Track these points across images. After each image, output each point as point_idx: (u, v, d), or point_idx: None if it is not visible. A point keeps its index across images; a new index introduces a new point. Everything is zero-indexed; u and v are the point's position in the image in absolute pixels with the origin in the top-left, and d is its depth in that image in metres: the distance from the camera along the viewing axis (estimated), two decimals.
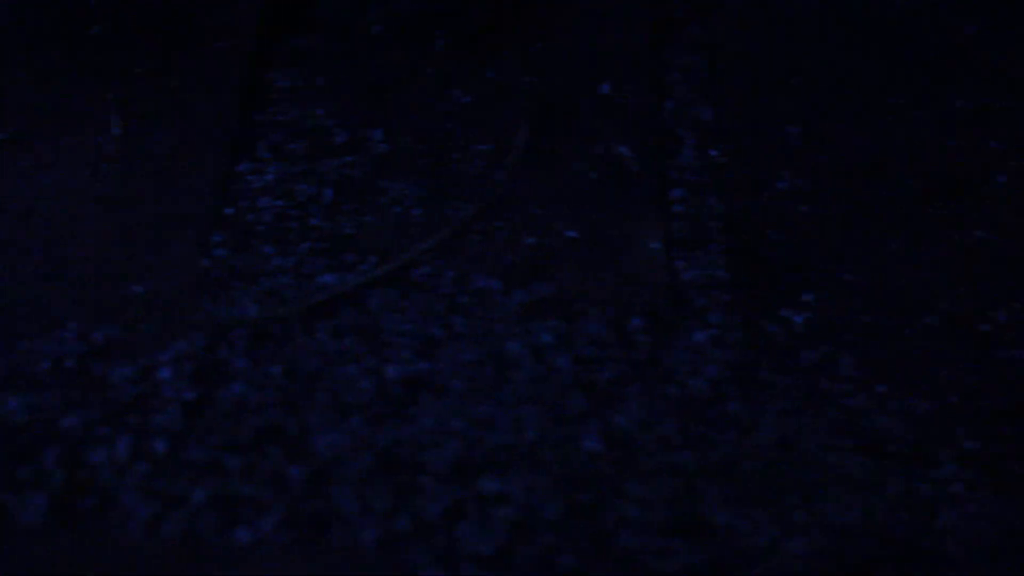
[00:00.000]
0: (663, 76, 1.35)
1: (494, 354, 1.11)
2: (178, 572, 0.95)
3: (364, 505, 1.01)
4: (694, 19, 1.40)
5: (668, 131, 1.30)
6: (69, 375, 1.08)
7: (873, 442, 1.11)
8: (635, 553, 0.99)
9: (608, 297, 1.16)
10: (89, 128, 1.26)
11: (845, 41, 1.39)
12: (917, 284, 1.21)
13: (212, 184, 1.23)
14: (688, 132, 1.30)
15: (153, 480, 1.03)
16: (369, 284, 1.16)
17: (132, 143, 1.26)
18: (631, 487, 1.04)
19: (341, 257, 1.18)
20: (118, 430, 1.06)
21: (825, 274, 1.21)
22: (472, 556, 0.99)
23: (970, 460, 1.11)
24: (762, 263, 1.21)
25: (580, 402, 1.09)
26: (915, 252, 1.23)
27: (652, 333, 1.14)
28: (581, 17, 1.38)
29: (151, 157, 1.25)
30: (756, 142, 1.29)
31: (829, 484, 1.07)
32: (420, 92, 1.31)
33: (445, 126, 1.28)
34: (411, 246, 1.17)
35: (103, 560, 0.95)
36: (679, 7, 1.41)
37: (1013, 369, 1.17)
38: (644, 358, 1.12)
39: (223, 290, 1.15)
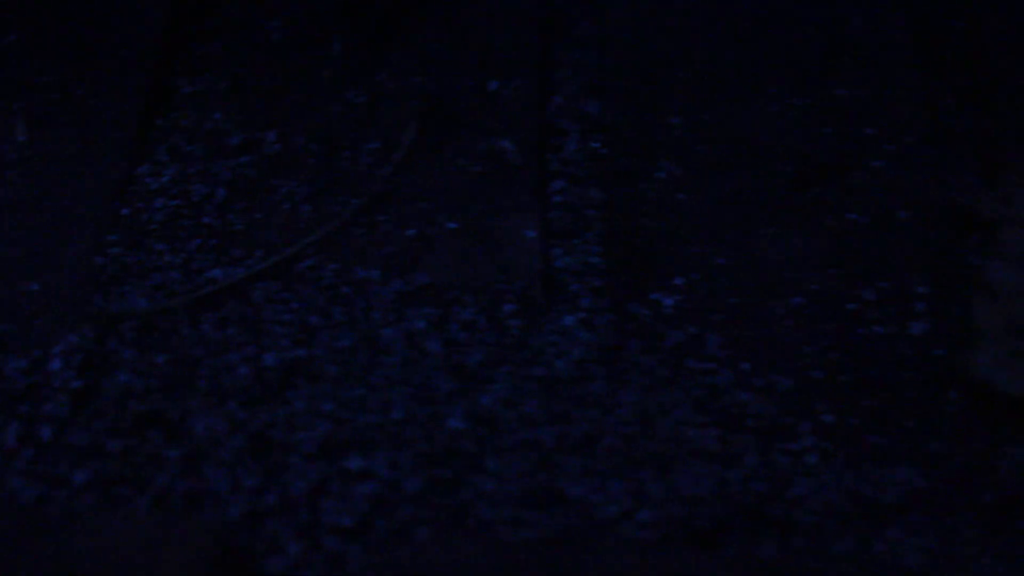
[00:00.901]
0: (552, 72, 1.43)
1: (368, 340, 1.18)
2: (59, 546, 1.02)
3: (234, 483, 1.09)
4: (585, 16, 1.48)
5: (553, 125, 1.37)
6: None
7: (733, 417, 1.17)
8: (490, 524, 1.06)
9: (483, 285, 1.23)
10: None
11: (732, 34, 1.46)
12: (787, 266, 1.28)
13: (111, 186, 1.30)
14: (573, 125, 1.38)
15: (38, 464, 1.10)
16: (254, 277, 1.23)
17: (37, 149, 1.34)
18: (490, 463, 1.12)
19: (230, 252, 1.26)
20: (8, 419, 1.14)
21: (697, 259, 1.28)
22: (333, 528, 1.06)
23: (827, 432, 1.18)
24: (636, 249, 1.28)
25: (448, 384, 1.16)
26: (787, 236, 1.30)
27: (523, 318, 1.21)
28: (474, 19, 1.46)
29: (55, 161, 1.33)
30: (638, 133, 1.37)
31: (686, 457, 1.14)
32: (315, 94, 1.38)
33: (337, 126, 1.36)
34: (296, 240, 1.25)
35: None
36: (571, 5, 1.49)
37: (874, 345, 1.23)
38: (513, 342, 1.19)
39: (115, 286, 1.22)
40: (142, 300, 1.21)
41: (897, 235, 1.32)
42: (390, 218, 1.28)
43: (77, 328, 1.19)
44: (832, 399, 1.20)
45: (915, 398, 1.21)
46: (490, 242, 1.27)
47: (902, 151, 1.40)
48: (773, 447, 1.16)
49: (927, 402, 1.21)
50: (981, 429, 1.20)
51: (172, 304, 1.21)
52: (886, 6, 1.52)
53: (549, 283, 1.24)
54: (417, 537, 1.04)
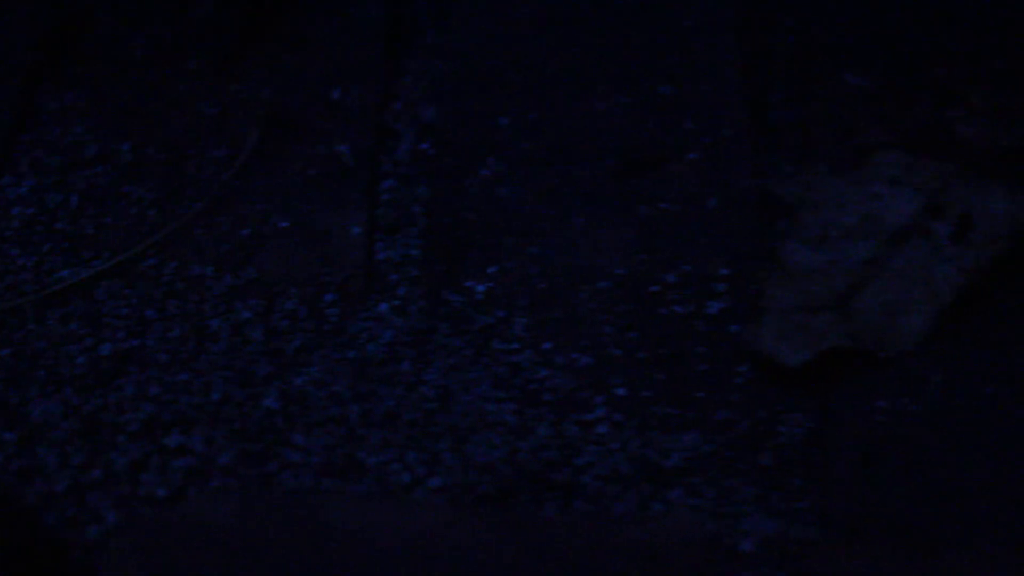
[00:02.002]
0: (394, 80, 1.56)
1: (197, 330, 1.32)
2: None
3: (63, 461, 1.22)
4: (432, 26, 1.61)
5: (389, 129, 1.51)
6: None
7: (531, 392, 1.30)
8: (293, 491, 1.19)
9: (307, 278, 1.37)
10: None
11: (568, 38, 1.60)
12: (597, 253, 1.41)
13: None
14: (408, 129, 1.51)
15: None
16: (99, 276, 1.37)
17: None
18: (298, 437, 1.25)
19: (80, 255, 1.39)
20: None
21: (512, 248, 1.41)
22: (148, 499, 1.19)
23: (619, 404, 1.31)
24: (455, 242, 1.41)
25: (267, 368, 1.29)
26: (600, 225, 1.43)
27: (341, 306, 1.34)
28: (323, 32, 1.59)
29: None
30: (467, 134, 1.50)
31: (481, 429, 1.27)
32: (169, 108, 1.52)
33: (187, 136, 1.49)
34: (139, 242, 1.38)
35: None
36: (418, 16, 1.62)
37: (672, 324, 1.36)
38: (331, 328, 1.33)
39: None
40: None
41: (704, 222, 1.45)
42: (227, 219, 1.42)
43: None
44: (627, 374, 1.33)
45: (706, 371, 1.34)
46: (318, 238, 1.40)
47: (718, 143, 1.52)
48: (566, 419, 1.29)
49: (717, 375, 1.34)
50: (766, 398, 1.33)
51: (20, 302, 1.34)
52: (715, 7, 1.64)
53: (369, 274, 1.37)
54: (228, 502, 1.17)
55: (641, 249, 1.43)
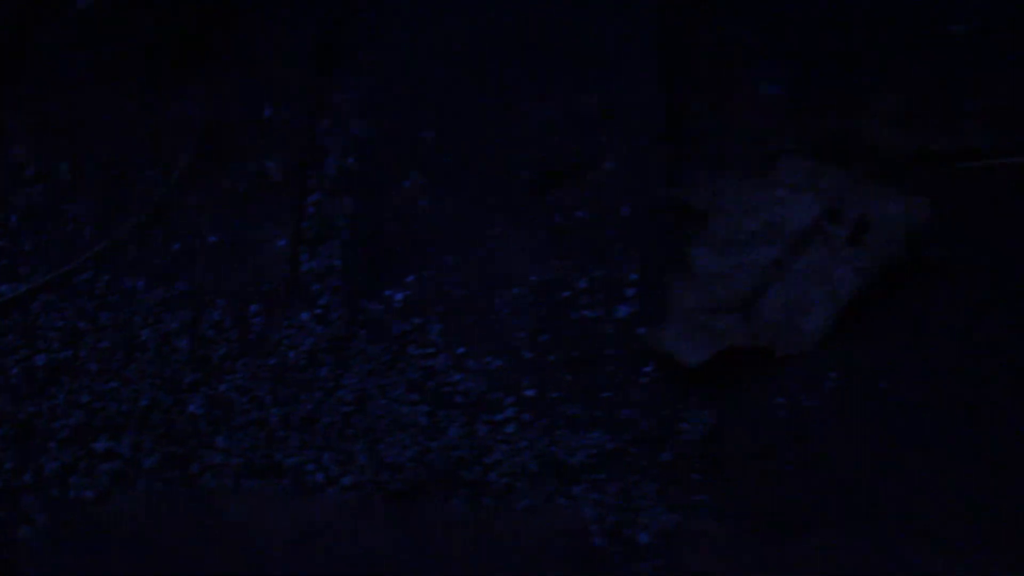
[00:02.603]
0: (325, 97, 1.64)
1: (127, 340, 1.40)
2: None
3: None
4: (364, 45, 1.70)
5: (317, 146, 1.59)
6: None
7: (444, 395, 1.39)
8: (214, 492, 1.28)
9: (234, 289, 1.45)
10: None
11: (493, 53, 1.68)
12: (513, 261, 1.50)
13: None
14: (336, 145, 1.59)
15: None
16: (36, 290, 1.45)
17: None
18: (220, 440, 1.33)
19: (18, 271, 1.48)
20: None
21: (432, 258, 1.50)
22: (76, 501, 1.28)
23: (528, 405, 1.39)
24: (376, 252, 1.50)
25: (193, 375, 1.38)
26: (518, 234, 1.52)
27: (265, 316, 1.43)
28: (259, 52, 1.68)
29: None
30: (392, 149, 1.59)
31: (394, 431, 1.36)
32: (108, 127, 1.61)
33: (125, 155, 1.58)
34: (75, 257, 1.47)
35: None
36: (349, 36, 1.70)
37: (582, 327, 1.45)
38: (255, 337, 1.41)
39: None
40: None
41: (618, 229, 1.54)
42: (161, 234, 1.51)
43: None
44: (537, 376, 1.41)
45: (613, 372, 1.43)
46: (246, 252, 1.49)
47: (635, 153, 1.61)
48: (477, 419, 1.38)
49: (624, 375, 1.42)
50: (669, 397, 1.41)
51: None
52: (637, 22, 1.73)
53: (293, 285, 1.46)
54: (152, 503, 1.26)
55: (555, 256, 1.52)
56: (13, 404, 1.37)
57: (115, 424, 1.35)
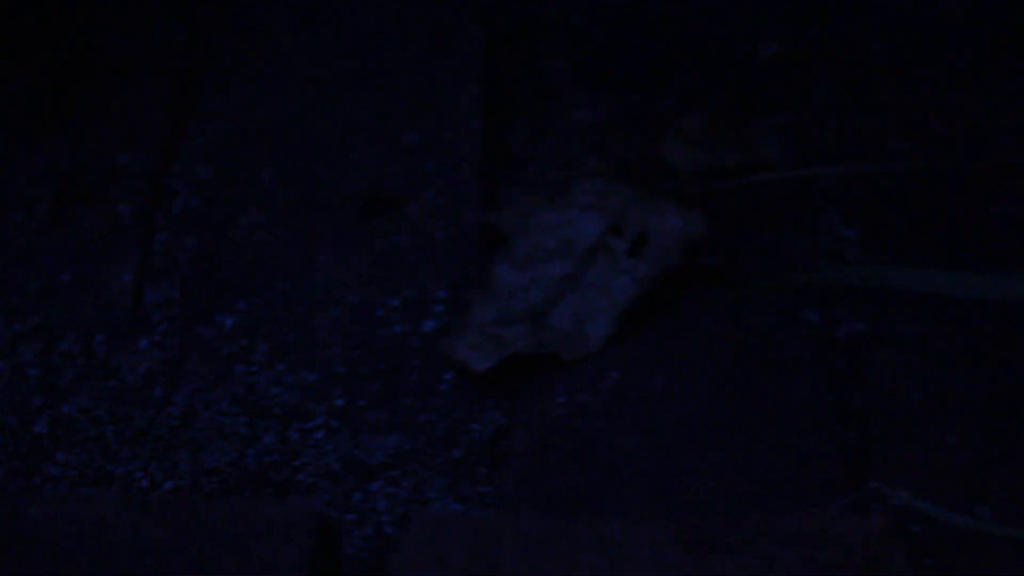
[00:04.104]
0: (177, 143, 1.89)
1: None
2: None
3: None
4: (215, 95, 1.94)
5: (167, 188, 1.83)
6: None
7: (262, 407, 1.63)
8: (50, 500, 1.52)
9: (83, 322, 1.70)
10: None
11: (327, 95, 1.92)
12: (336, 286, 1.74)
13: None
14: (183, 187, 1.84)
15: None
16: None
17: None
18: (59, 455, 1.58)
19: None
20: None
21: (263, 286, 1.74)
22: None
23: (337, 413, 1.63)
24: (213, 284, 1.74)
25: (40, 399, 1.62)
26: (342, 261, 1.76)
27: (109, 344, 1.67)
28: (119, 103, 1.92)
29: None
30: (234, 188, 1.83)
31: (216, 440, 1.60)
32: None
33: None
34: None
35: None
36: (200, 87, 1.95)
37: (392, 342, 1.69)
38: (98, 363, 1.66)
39: None
40: None
41: (432, 252, 1.78)
42: (19, 275, 1.75)
43: None
44: (347, 387, 1.65)
45: (416, 381, 1.66)
46: (96, 288, 1.73)
47: (454, 182, 1.85)
48: (290, 428, 1.61)
49: (425, 383, 1.66)
50: (464, 401, 1.65)
51: None
52: (464, 60, 1.96)
53: (135, 316, 1.70)
54: None
55: (374, 279, 1.76)
56: None
57: None
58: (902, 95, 2.00)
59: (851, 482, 1.61)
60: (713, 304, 1.75)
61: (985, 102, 1.99)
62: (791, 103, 2.00)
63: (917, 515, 1.57)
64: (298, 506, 1.31)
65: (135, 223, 1.85)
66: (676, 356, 1.72)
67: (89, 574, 1.37)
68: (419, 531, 1.29)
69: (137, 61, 2.02)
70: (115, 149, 1.93)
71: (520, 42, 2.06)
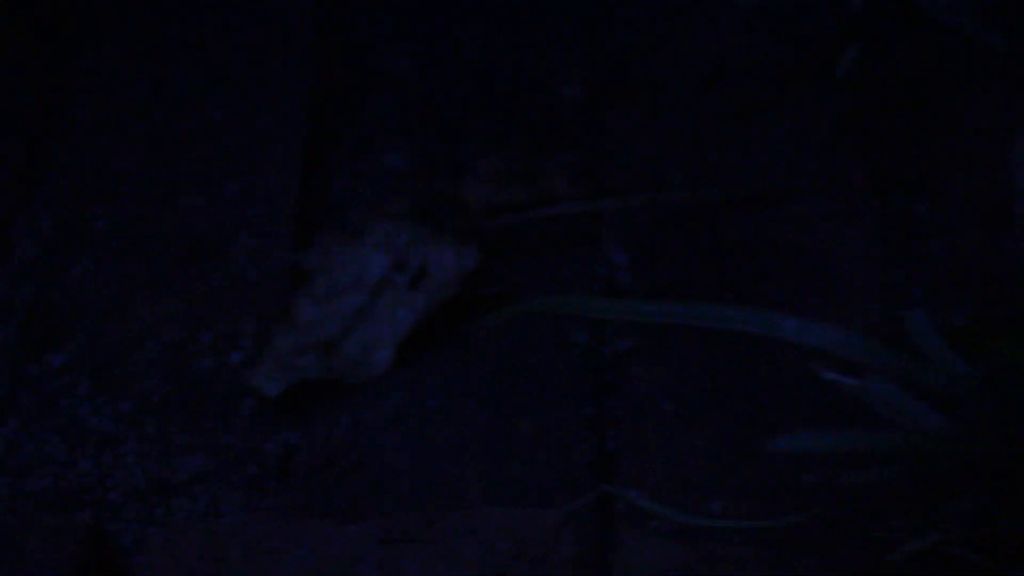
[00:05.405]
0: (20, 203, 2.15)
1: None
2: None
3: None
4: (65, 149, 2.20)
5: (8, 240, 2.10)
6: None
7: (81, 435, 1.89)
8: None
9: None
10: None
11: (159, 150, 2.18)
12: (157, 324, 2.00)
13: None
14: (26, 240, 2.10)
15: None
16: None
17: None
18: None
19: None
20: None
21: (89, 328, 2.00)
22: None
23: (148, 438, 1.89)
24: (45, 328, 2.00)
25: None
26: (163, 303, 2.02)
27: None
28: None
29: None
30: (70, 238, 2.09)
31: (38, 467, 1.87)
32: None
33: None
34: None
35: None
36: (52, 142, 2.21)
37: (202, 373, 1.96)
38: None
39: None
40: None
41: (243, 292, 2.04)
42: None
43: None
44: (159, 415, 1.91)
45: (220, 407, 1.93)
46: None
47: (271, 227, 2.12)
48: (105, 452, 1.87)
49: (228, 409, 1.92)
50: (261, 424, 1.91)
51: None
52: (286, 113, 2.22)
53: None
54: None
55: (190, 318, 2.02)
56: None
57: None
58: (686, 129, 2.26)
59: (593, 485, 1.86)
60: (489, 329, 2.01)
61: (760, 134, 2.24)
62: (587, 141, 2.26)
63: (644, 512, 1.82)
64: (72, 518, 1.58)
65: None
66: (452, 377, 1.97)
67: None
68: (162, 537, 1.55)
69: None
70: None
71: (344, 90, 2.32)
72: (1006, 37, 2.31)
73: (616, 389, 1.98)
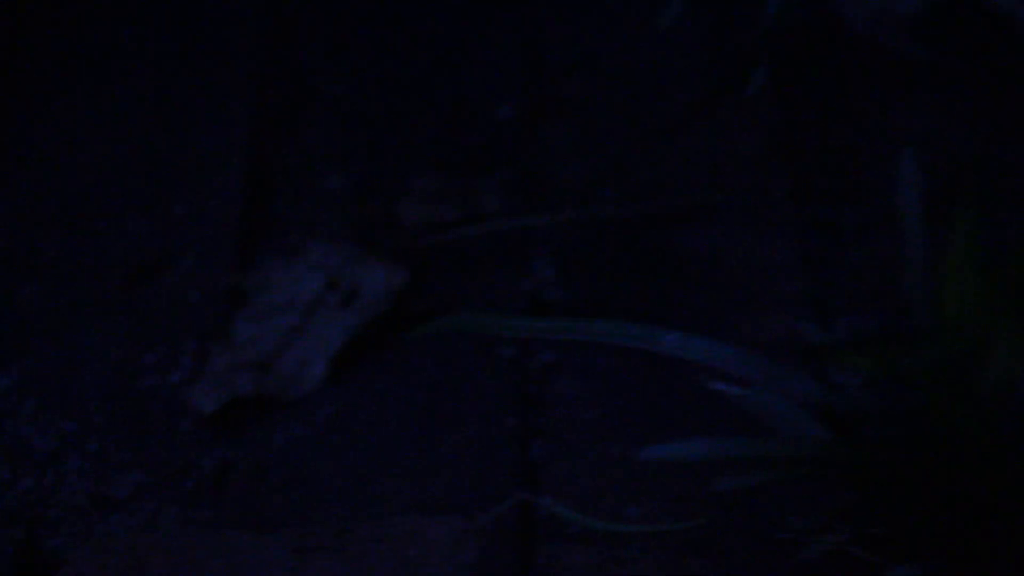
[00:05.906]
0: None
1: None
2: None
3: None
4: (15, 175, 2.30)
5: None
6: None
7: (21, 453, 1.98)
8: None
9: None
10: None
11: (101, 173, 2.28)
12: (100, 347, 2.10)
13: None
14: None
15: None
16: None
17: None
18: None
19: None
20: None
21: (35, 351, 2.10)
22: None
23: (90, 456, 1.98)
24: None
25: None
26: (108, 324, 2.11)
27: None
28: None
29: None
30: (14, 263, 2.19)
31: None
32: None
33: None
34: None
35: None
36: (2, 167, 2.31)
37: (144, 392, 2.05)
38: None
39: None
40: None
41: (186, 312, 2.13)
42: None
43: None
44: (101, 433, 2.01)
45: (160, 425, 2.02)
46: None
47: (214, 250, 2.22)
48: (47, 471, 1.97)
49: (168, 427, 2.02)
50: (198, 441, 2.00)
51: None
52: (229, 139, 2.32)
53: None
54: None
55: (133, 339, 2.12)
56: None
57: None
58: (616, 146, 2.35)
59: (511, 494, 1.95)
60: (418, 345, 2.10)
61: (686, 149, 2.34)
62: (521, 160, 2.35)
63: (561, 519, 1.92)
64: (4, 534, 1.68)
65: None
66: (382, 392, 2.07)
67: None
68: (87, 551, 1.65)
69: None
70: None
71: (285, 114, 2.42)
72: (928, 49, 2.40)
73: (540, 401, 2.08)
